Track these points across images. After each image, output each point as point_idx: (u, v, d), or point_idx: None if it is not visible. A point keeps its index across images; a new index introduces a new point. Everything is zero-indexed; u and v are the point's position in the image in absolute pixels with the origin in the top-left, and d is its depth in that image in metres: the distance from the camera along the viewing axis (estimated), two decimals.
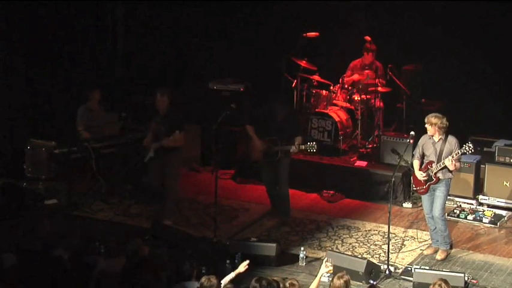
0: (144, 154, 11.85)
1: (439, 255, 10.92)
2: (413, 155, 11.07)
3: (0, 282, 8.84)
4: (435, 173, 10.67)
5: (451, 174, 10.78)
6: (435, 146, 10.69)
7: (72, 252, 9.50)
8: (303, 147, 11.72)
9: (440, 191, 10.75)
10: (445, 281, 8.52)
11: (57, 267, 9.10)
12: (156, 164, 11.80)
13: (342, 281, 8.49)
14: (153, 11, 15.80)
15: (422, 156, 10.84)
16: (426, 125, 10.66)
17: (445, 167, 10.60)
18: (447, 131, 10.69)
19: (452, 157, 10.48)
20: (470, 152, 10.55)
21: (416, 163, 10.85)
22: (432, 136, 10.70)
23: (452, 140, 10.67)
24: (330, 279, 9.41)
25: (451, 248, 11.07)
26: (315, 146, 11.71)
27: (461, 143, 10.70)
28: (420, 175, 10.74)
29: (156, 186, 11.94)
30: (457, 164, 10.64)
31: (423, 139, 10.83)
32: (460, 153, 10.51)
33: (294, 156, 12.33)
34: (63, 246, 9.72)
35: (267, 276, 8.95)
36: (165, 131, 11.67)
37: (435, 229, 10.96)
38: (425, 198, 10.91)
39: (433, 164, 10.67)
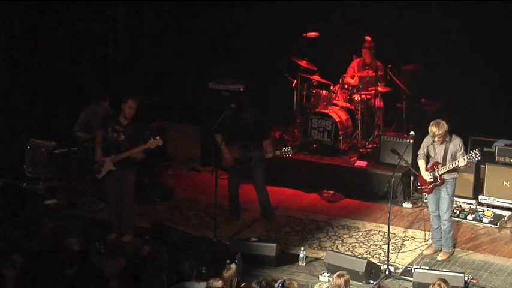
0: (95, 169, 11.20)
1: (441, 256, 10.90)
2: (418, 155, 11.00)
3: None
4: (440, 175, 10.66)
5: (456, 174, 10.77)
6: (440, 147, 10.66)
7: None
8: (278, 152, 11.53)
9: (445, 193, 10.72)
10: (445, 281, 8.52)
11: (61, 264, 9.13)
12: (111, 179, 11.14)
13: (342, 280, 8.50)
14: (153, 11, 15.80)
15: (427, 155, 10.83)
16: (434, 133, 10.51)
17: (451, 169, 10.60)
18: (450, 132, 10.68)
19: (463, 158, 10.46)
20: (476, 159, 10.60)
21: (422, 163, 10.81)
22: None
23: (456, 141, 10.65)
24: (330, 278, 9.41)
25: (453, 250, 11.07)
26: (290, 150, 11.48)
27: None
28: (427, 176, 10.73)
29: (113, 201, 11.30)
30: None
31: (428, 140, 10.78)
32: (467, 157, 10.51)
33: (294, 156, 12.31)
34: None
35: (267, 276, 8.95)
36: (127, 139, 10.98)
37: (437, 228, 10.93)
38: (430, 196, 10.89)
39: (439, 166, 10.66)
